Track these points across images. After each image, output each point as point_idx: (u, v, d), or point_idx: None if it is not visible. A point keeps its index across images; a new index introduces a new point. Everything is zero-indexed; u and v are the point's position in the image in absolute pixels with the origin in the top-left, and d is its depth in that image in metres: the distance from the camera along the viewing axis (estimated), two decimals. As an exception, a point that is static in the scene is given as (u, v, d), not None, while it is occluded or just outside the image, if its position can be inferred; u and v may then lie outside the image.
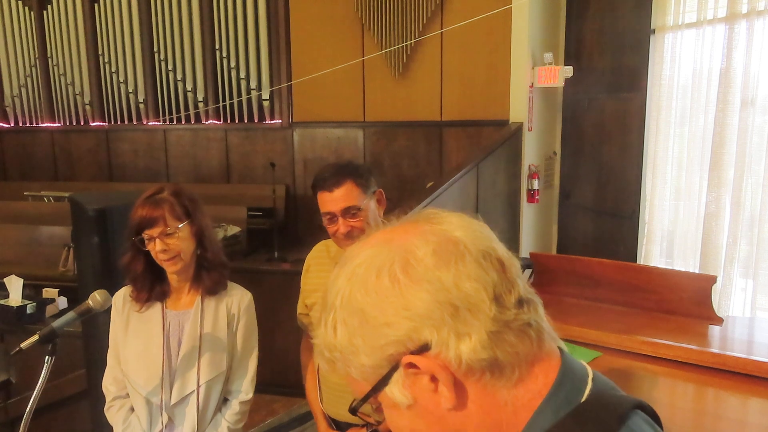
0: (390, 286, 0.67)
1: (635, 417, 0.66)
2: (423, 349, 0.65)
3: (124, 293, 2.00)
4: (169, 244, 1.84)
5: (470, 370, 0.65)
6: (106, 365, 2.04)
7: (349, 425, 2.01)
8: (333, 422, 2.06)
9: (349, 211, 1.86)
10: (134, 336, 1.96)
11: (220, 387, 1.97)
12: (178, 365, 1.92)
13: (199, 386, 1.92)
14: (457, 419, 0.68)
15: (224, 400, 2.02)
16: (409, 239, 0.69)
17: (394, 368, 0.67)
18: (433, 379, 0.66)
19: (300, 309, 2.16)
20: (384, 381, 0.68)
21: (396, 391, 0.68)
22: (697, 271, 4.25)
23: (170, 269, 1.90)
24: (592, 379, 0.68)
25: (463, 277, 0.66)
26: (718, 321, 2.79)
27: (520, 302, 0.68)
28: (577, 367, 0.70)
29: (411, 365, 0.66)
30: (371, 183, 1.92)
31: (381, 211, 1.96)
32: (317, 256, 2.12)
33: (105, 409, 2.03)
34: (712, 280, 2.97)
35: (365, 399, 0.72)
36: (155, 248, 1.84)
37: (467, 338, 0.64)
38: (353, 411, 0.75)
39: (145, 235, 1.84)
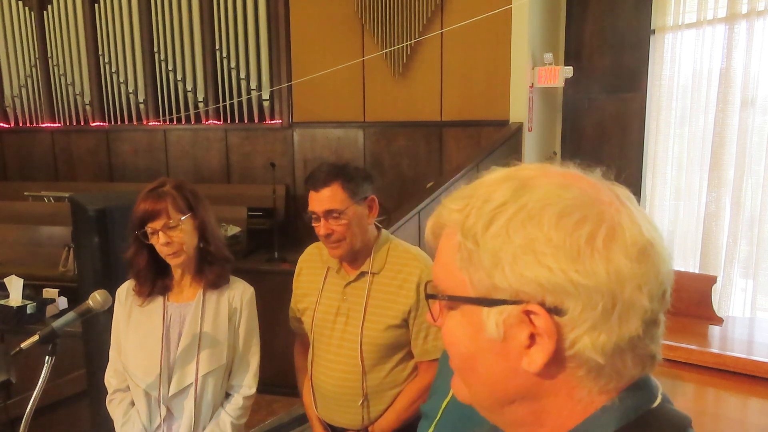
0: (583, 244, 0.60)
1: None
2: (554, 311, 0.61)
3: (127, 286, 2.01)
4: (172, 236, 1.85)
5: (574, 358, 0.62)
6: (105, 365, 2.05)
7: (344, 430, 2.01)
8: (328, 427, 2.05)
9: (331, 214, 1.84)
10: (135, 328, 1.97)
11: (220, 380, 1.97)
12: (177, 357, 1.92)
13: (197, 379, 1.92)
14: (525, 382, 0.64)
15: (226, 395, 2.02)
16: (622, 214, 0.62)
17: (512, 302, 0.62)
18: (533, 337, 0.62)
19: (292, 312, 2.15)
20: (491, 303, 0.63)
21: (492, 319, 0.63)
22: (697, 271, 4.25)
23: (173, 262, 1.90)
24: (662, 393, 0.68)
25: (644, 289, 0.61)
26: (718, 321, 2.79)
27: (654, 337, 0.65)
28: (652, 379, 0.69)
29: (530, 313, 0.61)
30: (362, 189, 1.88)
31: (371, 219, 1.93)
32: (309, 259, 2.11)
33: (107, 401, 2.04)
34: (712, 280, 2.97)
35: (456, 299, 0.66)
36: (158, 241, 1.85)
37: (596, 334, 0.61)
38: (429, 296, 0.69)
39: (148, 228, 1.84)
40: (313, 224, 1.89)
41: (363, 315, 1.91)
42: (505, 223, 0.62)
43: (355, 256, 1.94)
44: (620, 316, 0.61)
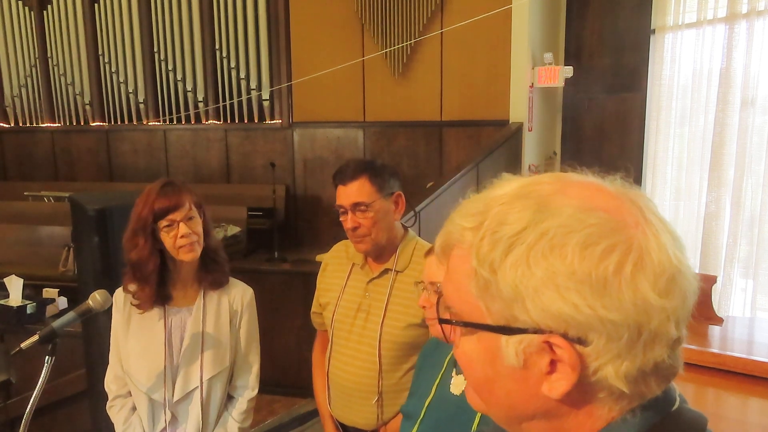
0: (610, 275, 0.57)
1: None
2: (577, 341, 0.58)
3: (124, 292, 1.97)
4: (192, 227, 1.84)
5: (596, 383, 0.60)
6: (105, 365, 2.03)
7: (357, 430, 2.01)
8: (340, 426, 2.05)
9: (358, 207, 1.87)
10: (136, 333, 1.95)
11: (224, 383, 1.97)
12: (180, 362, 1.91)
13: (202, 383, 1.91)
14: (545, 405, 0.63)
15: (229, 397, 2.02)
16: (648, 238, 0.59)
17: (533, 331, 0.59)
18: (553, 363, 0.60)
19: (314, 308, 2.15)
20: (510, 331, 0.60)
21: (512, 347, 0.60)
22: (697, 271, 4.24)
23: (188, 257, 1.85)
24: (679, 394, 0.67)
25: (671, 318, 0.59)
26: (718, 321, 2.79)
27: (677, 355, 0.63)
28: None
29: (552, 345, 0.59)
30: (389, 184, 1.91)
31: (398, 215, 1.96)
32: (335, 256, 2.12)
33: (107, 407, 2.02)
34: (712, 280, 2.97)
35: (474, 326, 0.63)
36: (178, 233, 1.81)
37: (620, 362, 0.59)
38: (443, 320, 0.67)
39: (167, 220, 1.81)
40: (341, 218, 1.91)
41: (384, 312, 1.92)
42: (525, 253, 0.59)
43: (380, 253, 1.95)
44: (645, 344, 0.59)
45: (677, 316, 0.60)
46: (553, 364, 0.60)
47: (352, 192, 1.87)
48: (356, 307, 1.97)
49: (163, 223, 1.82)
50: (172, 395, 1.91)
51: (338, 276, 2.05)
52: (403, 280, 1.93)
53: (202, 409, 1.92)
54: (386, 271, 1.95)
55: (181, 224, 1.82)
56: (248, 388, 2.01)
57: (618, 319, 0.57)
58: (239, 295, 2.00)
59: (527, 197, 0.62)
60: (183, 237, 1.82)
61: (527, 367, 0.61)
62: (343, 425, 2.04)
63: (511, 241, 0.60)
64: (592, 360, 0.59)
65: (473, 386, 0.69)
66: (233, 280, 2.02)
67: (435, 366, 1.56)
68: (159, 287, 1.90)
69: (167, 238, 1.83)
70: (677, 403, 0.65)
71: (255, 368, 2.02)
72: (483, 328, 0.63)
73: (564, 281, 0.57)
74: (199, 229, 1.86)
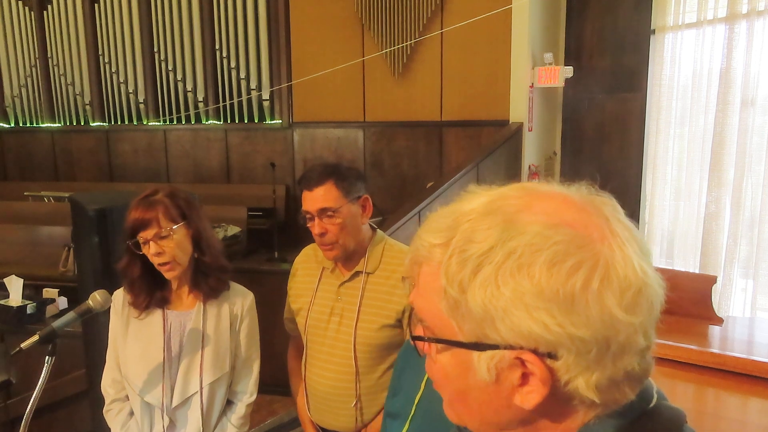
0: (578, 291, 0.57)
1: (689, 430, 0.67)
2: (547, 356, 0.59)
3: (123, 294, 1.95)
4: (164, 246, 1.79)
5: (569, 394, 0.61)
6: (105, 365, 2.01)
7: None
8: (321, 430, 2.04)
9: (325, 213, 1.84)
10: (134, 337, 1.92)
11: (224, 389, 1.95)
12: (179, 367, 1.89)
13: (201, 388, 1.89)
14: (519, 414, 0.64)
15: (228, 402, 2.00)
16: (614, 251, 0.60)
17: (504, 348, 0.60)
18: (525, 376, 0.61)
19: (287, 313, 2.13)
20: (481, 348, 0.61)
21: (484, 363, 0.61)
22: (697, 272, 4.25)
23: (168, 276, 1.85)
24: (656, 391, 0.68)
25: (639, 330, 0.60)
26: (718, 321, 2.79)
27: (648, 360, 0.64)
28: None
29: (523, 361, 0.60)
30: (355, 188, 1.88)
31: (365, 218, 1.93)
32: (304, 260, 2.10)
33: (104, 411, 2.00)
34: (712, 280, 2.97)
35: (446, 343, 0.64)
36: (150, 251, 1.79)
37: (589, 374, 0.59)
38: (416, 338, 0.68)
39: (140, 237, 1.79)
40: (308, 224, 1.88)
41: (357, 314, 1.90)
42: (493, 272, 0.59)
43: (350, 256, 1.93)
44: (615, 356, 0.60)
45: (645, 327, 0.61)
46: (524, 377, 0.61)
47: (318, 197, 1.84)
48: (329, 311, 1.95)
49: (139, 238, 1.79)
50: (170, 400, 1.88)
51: (309, 281, 2.03)
52: (375, 282, 1.91)
53: (202, 415, 1.89)
54: (357, 273, 1.93)
55: (152, 243, 1.78)
56: (247, 393, 1.99)
57: (586, 335, 0.58)
58: (240, 299, 1.97)
59: (494, 213, 0.62)
60: (154, 256, 1.79)
61: (499, 381, 0.62)
62: (324, 429, 2.03)
63: (479, 261, 0.60)
64: (563, 373, 0.60)
65: (447, 398, 0.70)
66: (234, 285, 1.99)
67: (421, 363, 1.55)
68: (153, 291, 1.88)
69: (146, 251, 1.80)
70: (654, 400, 0.66)
71: (255, 373, 2.00)
72: (455, 345, 0.63)
73: (532, 300, 0.58)
74: (175, 247, 1.80)
